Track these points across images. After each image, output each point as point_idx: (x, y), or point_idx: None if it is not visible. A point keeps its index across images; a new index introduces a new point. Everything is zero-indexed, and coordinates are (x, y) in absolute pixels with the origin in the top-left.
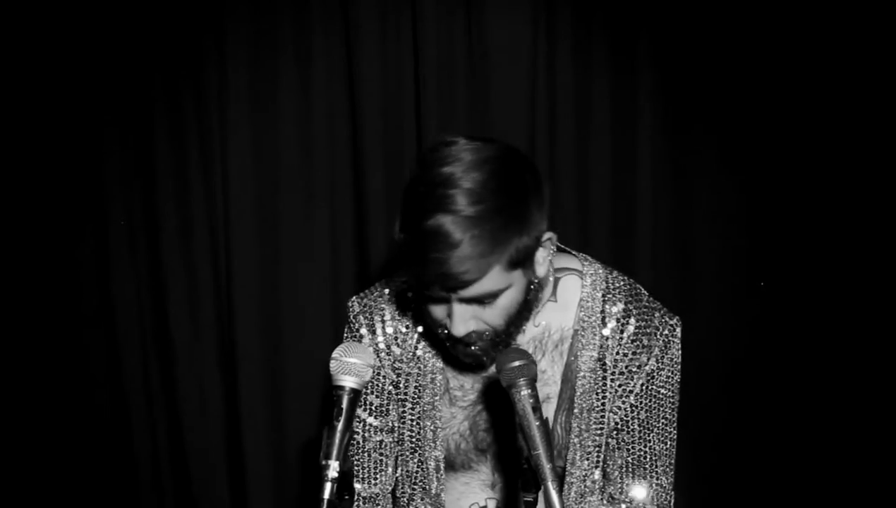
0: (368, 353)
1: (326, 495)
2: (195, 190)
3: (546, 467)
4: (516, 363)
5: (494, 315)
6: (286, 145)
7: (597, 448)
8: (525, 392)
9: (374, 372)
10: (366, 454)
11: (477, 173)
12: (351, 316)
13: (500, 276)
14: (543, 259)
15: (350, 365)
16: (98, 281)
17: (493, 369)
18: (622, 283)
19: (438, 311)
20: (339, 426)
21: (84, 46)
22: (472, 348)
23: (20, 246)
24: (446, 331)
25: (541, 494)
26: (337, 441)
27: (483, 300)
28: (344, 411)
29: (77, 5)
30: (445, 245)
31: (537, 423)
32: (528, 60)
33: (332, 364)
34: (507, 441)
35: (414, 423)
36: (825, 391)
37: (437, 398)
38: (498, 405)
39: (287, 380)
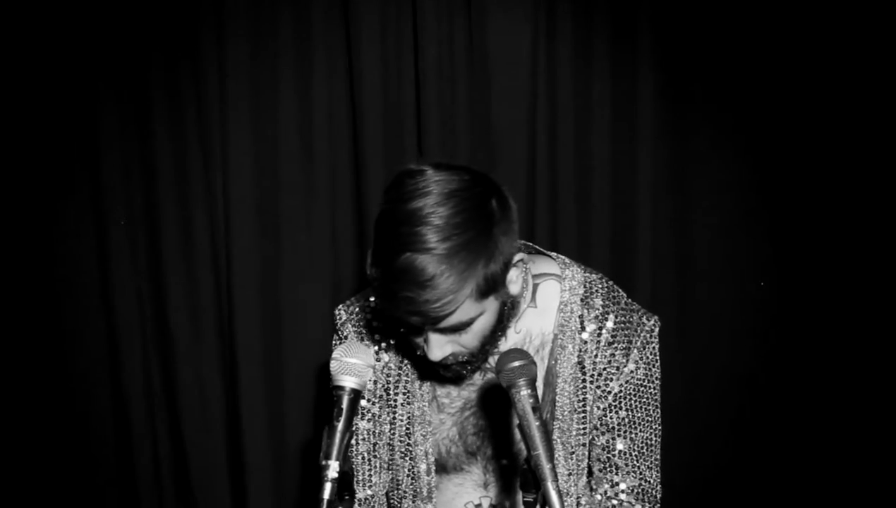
0: (369, 353)
1: (326, 495)
2: (195, 190)
3: (546, 467)
4: (516, 363)
5: (469, 339)
6: (286, 145)
7: (581, 447)
8: (525, 392)
9: (374, 372)
10: (359, 457)
11: (443, 208)
12: (339, 324)
13: (472, 306)
14: (516, 277)
15: (350, 366)
16: (98, 281)
17: (477, 376)
18: (600, 286)
19: (416, 337)
20: (339, 426)
21: (84, 43)
22: (451, 367)
23: (20, 246)
24: (424, 354)
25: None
26: (337, 441)
27: (458, 328)
28: (344, 411)
29: (76, 4)
30: (415, 283)
31: (537, 423)
32: (528, 60)
33: (333, 364)
34: (495, 444)
35: (404, 429)
36: (828, 390)
37: (425, 404)
38: (484, 410)
39: (287, 380)
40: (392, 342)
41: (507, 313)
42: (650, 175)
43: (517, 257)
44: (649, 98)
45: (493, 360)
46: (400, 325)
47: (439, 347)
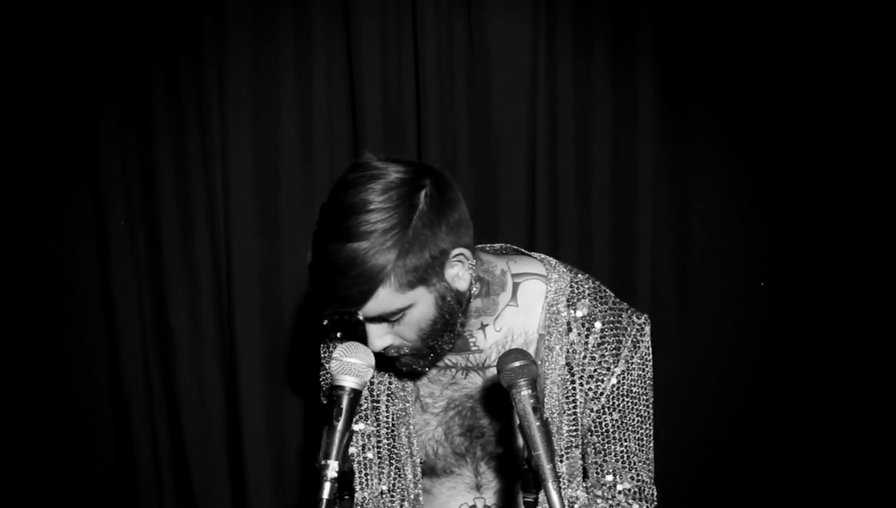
0: (369, 354)
1: (325, 495)
2: (196, 190)
3: (546, 467)
4: (517, 363)
5: (406, 331)
6: (286, 144)
7: (574, 449)
8: (525, 392)
9: (374, 372)
10: (350, 458)
11: (368, 196)
12: (327, 330)
13: (394, 296)
14: (462, 273)
15: (350, 365)
16: (98, 282)
17: (460, 376)
18: (587, 287)
19: (361, 326)
20: (339, 426)
21: (84, 43)
22: (400, 360)
23: (20, 246)
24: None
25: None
26: (336, 441)
27: (386, 318)
28: (344, 411)
29: (76, 5)
30: (331, 270)
31: (538, 423)
32: (529, 60)
33: (333, 364)
34: (483, 445)
35: (389, 430)
36: (828, 390)
37: (408, 404)
38: (471, 410)
39: (287, 380)
40: None
41: (451, 308)
42: (650, 175)
43: (456, 252)
44: (649, 98)
45: (474, 359)
46: (350, 317)
47: (378, 337)
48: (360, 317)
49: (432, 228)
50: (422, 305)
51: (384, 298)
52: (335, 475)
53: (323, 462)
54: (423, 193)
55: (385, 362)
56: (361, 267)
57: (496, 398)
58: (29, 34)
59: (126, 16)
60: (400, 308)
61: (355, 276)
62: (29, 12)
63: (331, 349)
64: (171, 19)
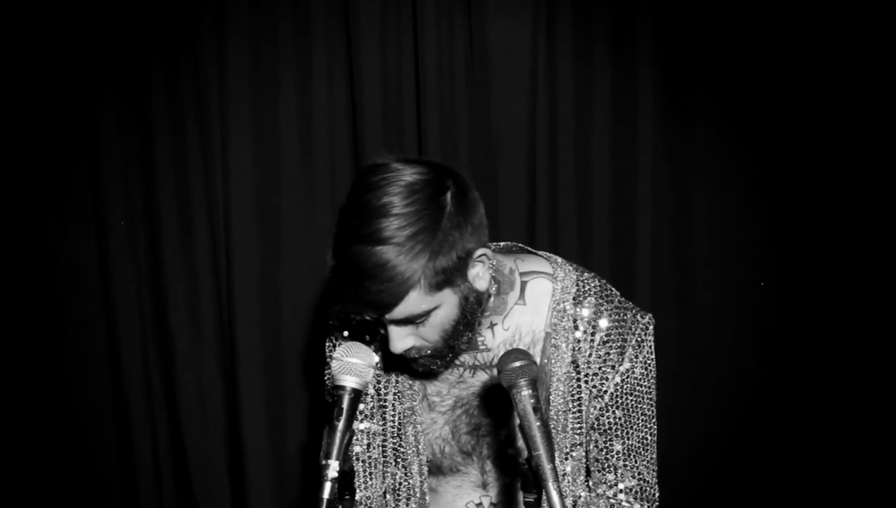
0: (370, 353)
1: (326, 494)
2: (196, 190)
3: (547, 467)
4: (517, 363)
5: (429, 332)
6: (286, 145)
7: (578, 447)
8: (526, 392)
9: (374, 372)
10: (354, 457)
11: (395, 200)
12: (332, 328)
13: (422, 299)
14: (482, 273)
15: (351, 365)
16: (98, 281)
17: (467, 374)
18: (593, 285)
19: (381, 328)
20: (340, 426)
21: (84, 44)
22: (418, 361)
23: (20, 247)
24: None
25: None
26: (337, 440)
27: (412, 320)
28: (344, 411)
29: (76, 5)
30: (360, 273)
31: (538, 423)
32: (528, 60)
33: (334, 364)
34: (490, 443)
35: (395, 429)
36: (828, 390)
37: (415, 403)
38: (478, 409)
39: (287, 380)
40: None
41: (472, 308)
42: (650, 175)
43: (479, 252)
44: (649, 98)
45: (482, 357)
46: (362, 317)
47: (400, 339)
48: (385, 319)
49: (459, 229)
50: (447, 306)
51: (413, 301)
52: (336, 475)
53: (324, 462)
54: (448, 195)
55: (392, 361)
56: (392, 271)
57: (503, 396)
58: (29, 35)
59: (126, 16)
60: (426, 310)
61: (386, 280)
62: (29, 13)
63: (337, 346)
64: (171, 20)
